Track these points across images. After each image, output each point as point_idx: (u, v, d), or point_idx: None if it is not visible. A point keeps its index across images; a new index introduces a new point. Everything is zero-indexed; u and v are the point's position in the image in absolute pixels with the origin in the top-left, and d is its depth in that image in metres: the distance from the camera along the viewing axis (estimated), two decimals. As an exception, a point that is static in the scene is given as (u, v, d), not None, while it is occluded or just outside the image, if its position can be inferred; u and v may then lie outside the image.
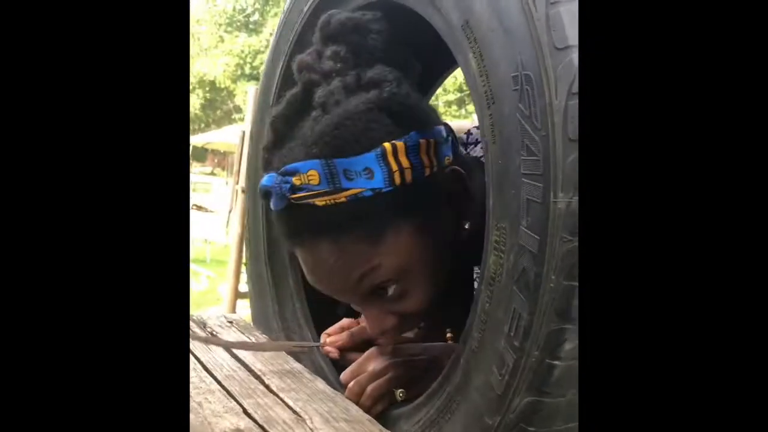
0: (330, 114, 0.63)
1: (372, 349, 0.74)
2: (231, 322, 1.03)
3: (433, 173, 0.65)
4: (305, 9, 0.82)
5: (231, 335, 0.96)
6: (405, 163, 0.62)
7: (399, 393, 0.69)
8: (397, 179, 0.62)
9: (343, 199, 0.61)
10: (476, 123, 0.64)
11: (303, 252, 0.67)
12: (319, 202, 0.62)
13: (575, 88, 0.47)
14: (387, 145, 0.62)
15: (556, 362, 0.49)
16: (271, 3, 17.36)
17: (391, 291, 0.65)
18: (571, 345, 0.49)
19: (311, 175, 0.61)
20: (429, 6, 0.61)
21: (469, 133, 0.80)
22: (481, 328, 0.55)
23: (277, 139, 0.67)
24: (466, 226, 0.68)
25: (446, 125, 0.70)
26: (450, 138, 0.69)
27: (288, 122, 0.67)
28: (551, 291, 0.48)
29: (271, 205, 0.65)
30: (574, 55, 0.47)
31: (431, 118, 0.67)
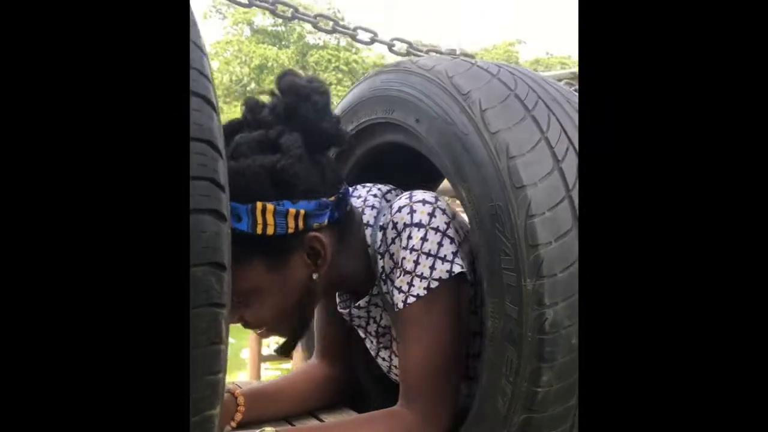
0: (234, 163, 0.79)
1: None
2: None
3: (297, 233, 0.83)
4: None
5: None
6: (270, 221, 0.81)
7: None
8: (260, 230, 0.81)
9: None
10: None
11: None
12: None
13: (531, 212, 0.74)
14: (259, 204, 0.80)
15: (538, 389, 0.75)
16: (265, 72, 18.00)
17: (236, 300, 0.83)
18: (546, 377, 0.75)
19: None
20: (436, 156, 0.89)
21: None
22: (489, 370, 0.81)
23: None
24: (314, 277, 0.87)
25: (332, 203, 0.87)
26: (327, 211, 0.85)
27: None
28: (529, 343, 0.75)
29: None
30: (528, 191, 0.75)
31: (312, 195, 0.84)
